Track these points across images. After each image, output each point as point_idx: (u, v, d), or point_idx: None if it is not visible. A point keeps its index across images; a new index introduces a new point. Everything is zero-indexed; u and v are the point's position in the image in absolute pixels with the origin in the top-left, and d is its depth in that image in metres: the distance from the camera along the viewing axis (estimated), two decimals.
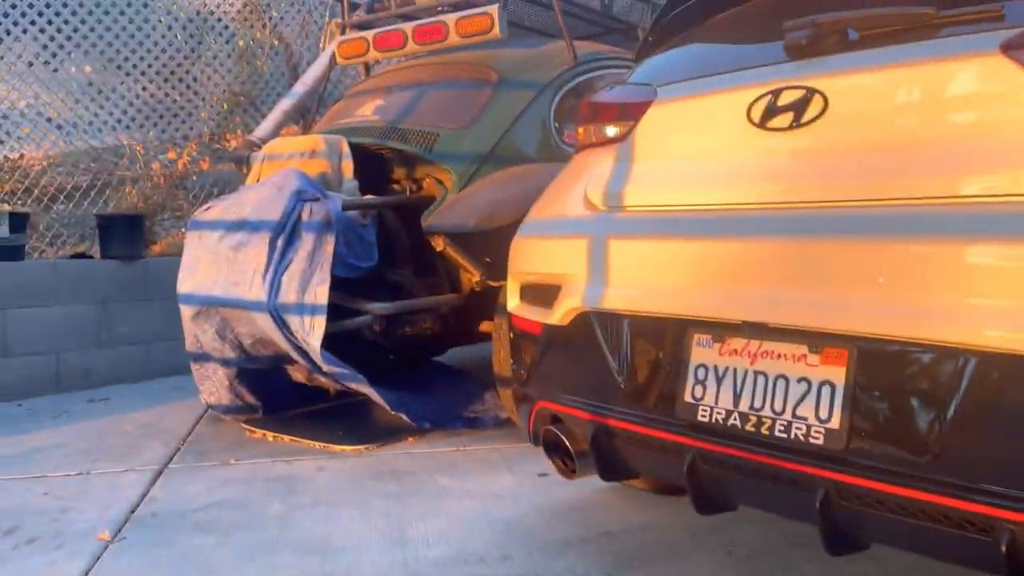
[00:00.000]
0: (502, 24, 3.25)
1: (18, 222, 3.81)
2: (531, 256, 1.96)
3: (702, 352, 1.50)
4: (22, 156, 4.67)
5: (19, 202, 4.46)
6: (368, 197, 3.10)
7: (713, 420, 1.45)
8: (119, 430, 3.14)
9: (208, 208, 3.19)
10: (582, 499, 2.33)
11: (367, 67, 4.09)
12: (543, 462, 2.15)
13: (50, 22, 4.68)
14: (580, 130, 2.01)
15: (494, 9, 3.24)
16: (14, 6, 4.52)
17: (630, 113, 1.80)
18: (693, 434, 1.48)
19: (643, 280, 1.62)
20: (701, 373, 1.49)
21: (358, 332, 3.13)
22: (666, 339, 1.57)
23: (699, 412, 1.47)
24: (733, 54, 1.74)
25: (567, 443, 1.78)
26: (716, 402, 1.45)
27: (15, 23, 4.57)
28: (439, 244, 3.04)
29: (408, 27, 3.53)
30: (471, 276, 3.11)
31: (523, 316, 1.96)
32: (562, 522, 2.17)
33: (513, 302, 2.03)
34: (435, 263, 3.23)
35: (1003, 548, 1.12)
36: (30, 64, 4.67)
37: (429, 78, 3.52)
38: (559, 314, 1.77)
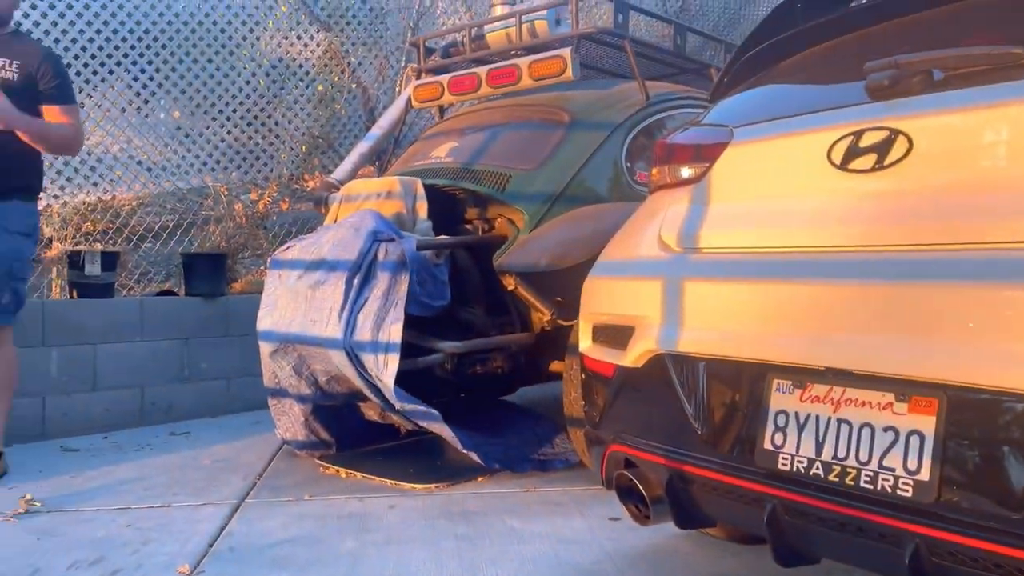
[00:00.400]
0: (574, 67, 3.29)
1: (109, 260, 4.00)
2: (604, 297, 1.96)
3: (782, 398, 1.46)
4: (113, 197, 4.91)
5: (110, 241, 4.68)
6: (441, 237, 3.15)
7: (794, 469, 1.41)
8: (199, 464, 3.23)
9: (288, 248, 3.29)
10: (656, 545, 2.28)
11: (441, 110, 4.19)
12: (615, 506, 2.12)
13: (143, 70, 4.93)
14: (654, 171, 2.01)
15: (567, 52, 3.29)
16: (110, 55, 4.79)
17: (706, 154, 1.79)
18: (773, 483, 1.44)
19: (720, 323, 1.60)
20: (781, 420, 1.46)
21: (430, 370, 3.16)
22: (744, 384, 1.54)
23: (779, 460, 1.43)
24: (812, 95, 1.72)
25: (641, 488, 1.75)
26: (797, 450, 1.41)
27: (110, 71, 4.83)
28: (510, 283, 3.06)
29: (482, 71, 3.61)
30: (542, 315, 3.11)
31: (596, 357, 1.95)
32: (634, 569, 2.12)
33: (585, 343, 2.02)
34: (506, 302, 3.25)
35: None
36: (123, 110, 4.91)
37: (502, 120, 3.58)
38: (633, 356, 1.76)
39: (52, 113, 3.03)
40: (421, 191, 3.22)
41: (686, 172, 1.85)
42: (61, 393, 3.69)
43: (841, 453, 1.35)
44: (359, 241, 2.96)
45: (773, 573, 1.88)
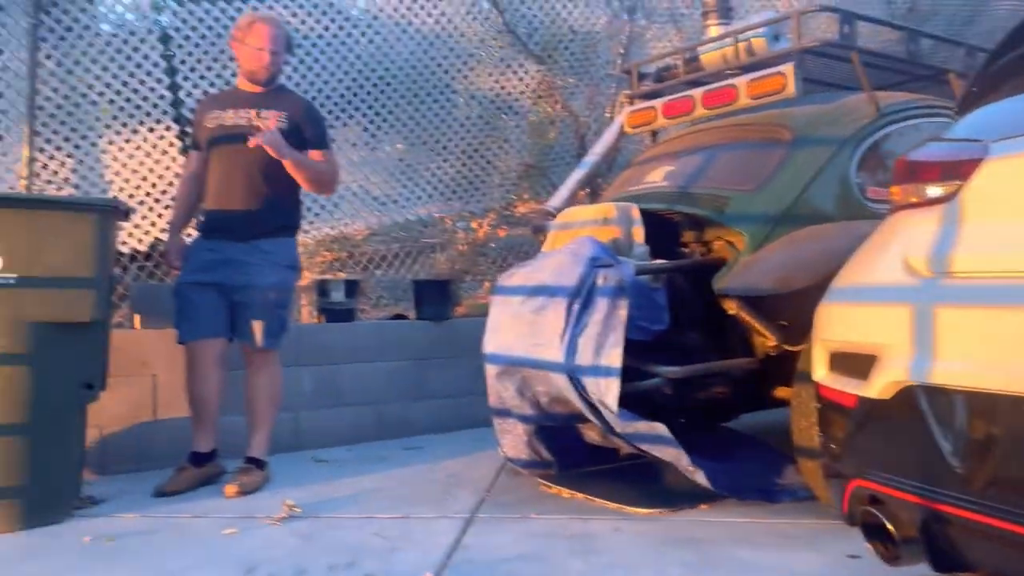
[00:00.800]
0: (796, 83, 3.19)
1: (350, 288, 4.39)
2: (842, 323, 1.88)
3: None
4: (347, 229, 5.37)
5: (347, 269, 5.12)
6: (659, 262, 3.15)
7: None
8: (431, 478, 3.44)
9: (510, 274, 3.43)
10: None
11: (654, 134, 4.20)
12: (852, 542, 2.02)
13: (370, 107, 5.37)
14: (895, 190, 1.91)
15: (788, 68, 3.20)
16: (349, 102, 5.27)
17: (958, 171, 1.68)
18: None
19: (980, 353, 1.49)
20: None
21: (649, 395, 3.16)
22: (1010, 419, 1.42)
23: None
24: None
25: (891, 527, 1.66)
26: None
27: (350, 116, 5.31)
28: (732, 307, 3.00)
29: (697, 93, 3.59)
30: (765, 340, 3.02)
31: (834, 387, 1.87)
32: None
33: (821, 371, 1.95)
34: (726, 327, 3.19)
35: None
36: (353, 144, 5.37)
37: (718, 141, 3.53)
38: (878, 387, 1.68)
39: (314, 157, 3.40)
40: (637, 216, 3.24)
41: (934, 191, 1.74)
42: (312, 408, 4.09)
43: None
44: (578, 267, 3.04)
45: None
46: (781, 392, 3.13)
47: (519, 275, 3.38)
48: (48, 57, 4.45)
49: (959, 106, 1.99)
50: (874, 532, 1.71)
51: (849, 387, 1.80)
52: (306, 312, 4.56)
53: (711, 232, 3.28)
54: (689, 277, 3.23)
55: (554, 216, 3.79)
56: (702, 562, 2.36)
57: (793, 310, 2.83)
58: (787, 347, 2.92)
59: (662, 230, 3.41)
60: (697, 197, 3.24)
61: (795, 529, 2.65)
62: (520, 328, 3.19)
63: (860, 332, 1.80)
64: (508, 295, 3.35)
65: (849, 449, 1.82)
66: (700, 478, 2.85)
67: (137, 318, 3.86)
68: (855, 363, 1.79)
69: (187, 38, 4.76)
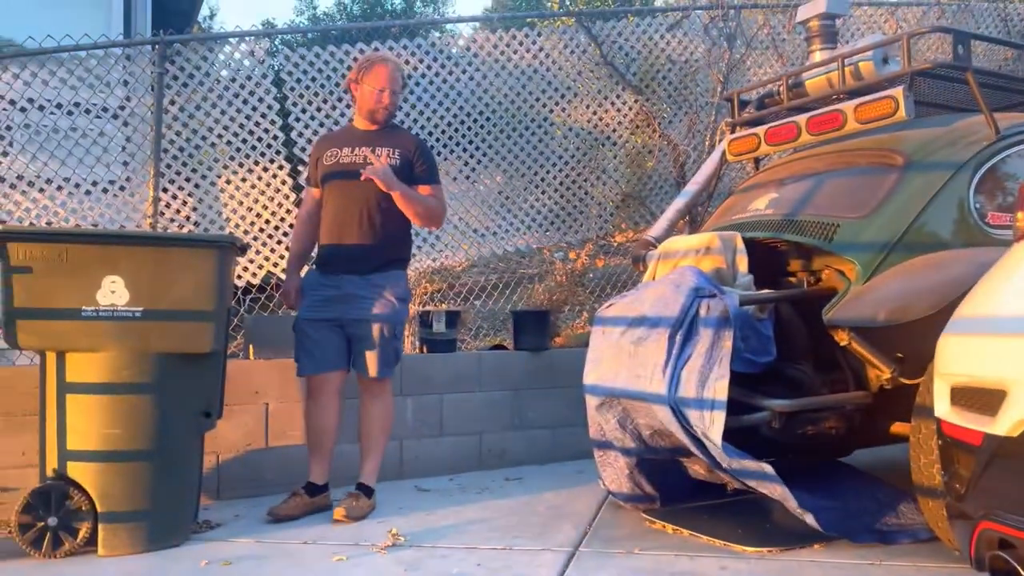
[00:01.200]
0: (908, 105, 3.08)
1: (451, 319, 4.46)
2: (966, 356, 1.79)
3: None
4: (446, 261, 5.49)
5: (448, 301, 5.22)
6: (765, 291, 3.08)
7: None
8: (533, 509, 3.44)
9: (610, 305, 3.42)
10: None
11: (756, 162, 4.13)
12: None
13: (471, 142, 5.49)
14: (1021, 216, 1.81)
15: (899, 91, 3.09)
16: (451, 137, 5.40)
17: None
18: None
19: None
20: None
21: (756, 430, 3.08)
22: None
23: None
24: None
25: (1021, 572, 1.55)
26: None
27: (451, 151, 5.45)
28: (843, 339, 2.89)
29: (802, 118, 3.51)
30: (880, 373, 2.89)
31: (958, 423, 1.79)
32: None
33: (943, 406, 1.86)
34: (837, 358, 3.08)
35: None
36: (454, 178, 5.49)
37: (824, 167, 3.43)
38: (1009, 424, 1.59)
39: (424, 191, 3.49)
40: (741, 245, 3.19)
41: None
42: (415, 437, 4.16)
43: None
44: (680, 298, 3.00)
45: None
46: (898, 428, 2.99)
47: (619, 305, 3.36)
48: (172, 103, 4.77)
49: None
50: None
51: (975, 424, 1.71)
52: (408, 343, 4.67)
53: (819, 261, 3.18)
54: (797, 308, 3.14)
55: (655, 246, 3.76)
56: None
57: (909, 341, 2.71)
58: (903, 380, 2.79)
59: (767, 259, 3.33)
60: (804, 225, 3.16)
61: (915, 572, 2.51)
62: (621, 359, 3.17)
63: (986, 366, 1.71)
64: (608, 325, 3.34)
65: (976, 489, 1.72)
66: (809, 519, 2.75)
67: (251, 349, 4.04)
68: (981, 398, 1.70)
69: (299, 81, 5.00)
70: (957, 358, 1.81)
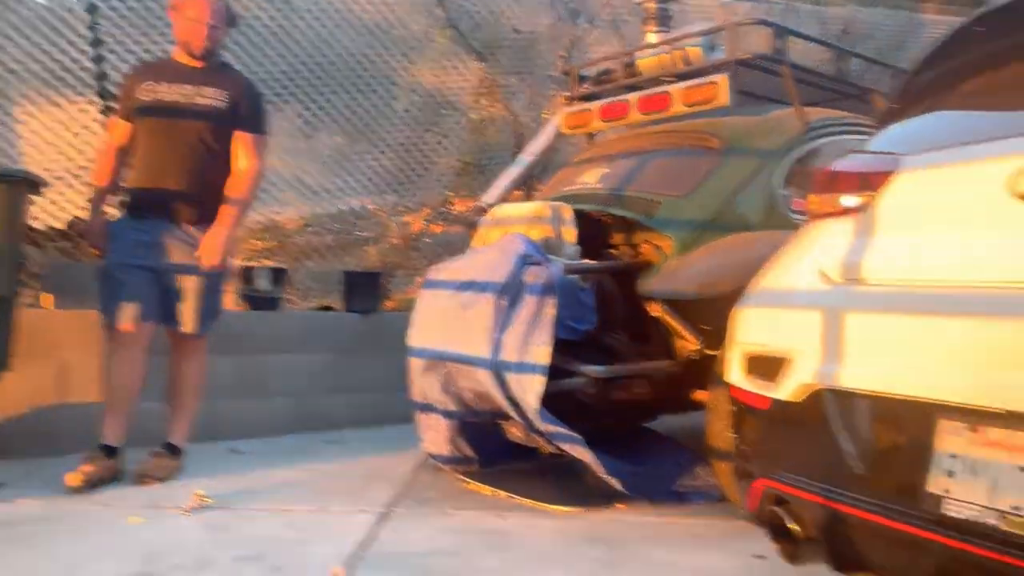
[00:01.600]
0: (729, 93, 3.25)
1: (277, 276, 4.29)
2: (757, 327, 1.92)
3: (952, 440, 1.39)
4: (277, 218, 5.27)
5: (277, 259, 5.02)
6: (588, 262, 3.17)
7: (964, 516, 1.32)
8: (351, 472, 3.39)
9: (440, 268, 3.41)
10: None
11: (590, 136, 4.23)
12: (760, 542, 2.05)
13: (307, 94, 5.27)
14: (814, 199, 1.95)
15: (722, 78, 3.25)
16: (285, 86, 5.16)
17: (872, 182, 1.73)
18: (939, 529, 1.36)
19: (885, 359, 1.53)
20: (950, 463, 1.38)
21: (573, 394, 3.18)
22: (910, 424, 1.47)
23: (946, 506, 1.35)
24: (991, 122, 1.63)
25: (794, 527, 1.69)
26: (968, 496, 1.33)
27: (285, 100, 5.21)
28: (656, 310, 3.04)
29: (633, 97, 3.62)
30: (687, 344, 3.07)
31: (747, 389, 1.91)
32: None
33: (735, 374, 1.98)
34: (650, 329, 3.23)
35: None
36: (290, 133, 5.27)
37: (651, 146, 3.57)
38: (788, 390, 1.71)
39: (244, 140, 3.25)
40: (569, 216, 3.26)
41: (850, 201, 1.79)
42: (231, 398, 3.97)
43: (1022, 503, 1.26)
44: (508, 264, 3.03)
45: None
46: (699, 395, 3.18)
47: (448, 269, 3.36)
48: None
49: (880, 122, 2.05)
50: (778, 532, 1.75)
51: (761, 389, 1.83)
52: (229, 299, 4.45)
53: (640, 236, 3.31)
54: (618, 279, 3.26)
55: (486, 212, 3.78)
56: (614, 560, 2.38)
57: (714, 315, 2.87)
58: (708, 351, 2.97)
59: (594, 231, 3.43)
60: (628, 200, 3.28)
61: (708, 530, 2.69)
62: (447, 323, 3.17)
63: (774, 336, 1.84)
64: (437, 288, 3.33)
65: (759, 450, 1.86)
66: (614, 483, 2.88)
67: (50, 298, 3.70)
68: (768, 366, 1.82)
69: (114, 8, 4.59)
70: (750, 329, 1.94)
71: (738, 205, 3.17)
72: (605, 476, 2.90)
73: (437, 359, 3.19)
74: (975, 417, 1.35)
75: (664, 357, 3.21)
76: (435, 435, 3.32)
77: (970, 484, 1.33)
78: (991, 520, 1.28)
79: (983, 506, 1.30)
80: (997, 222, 1.43)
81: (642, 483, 3.03)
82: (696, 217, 3.13)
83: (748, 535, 2.50)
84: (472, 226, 3.79)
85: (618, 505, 2.94)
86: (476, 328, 3.00)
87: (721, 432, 2.67)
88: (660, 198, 3.21)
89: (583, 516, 2.84)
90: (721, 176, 3.21)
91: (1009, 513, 1.26)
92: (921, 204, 1.61)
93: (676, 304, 2.98)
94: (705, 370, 2.94)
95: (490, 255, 3.18)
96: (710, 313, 2.87)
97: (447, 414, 3.26)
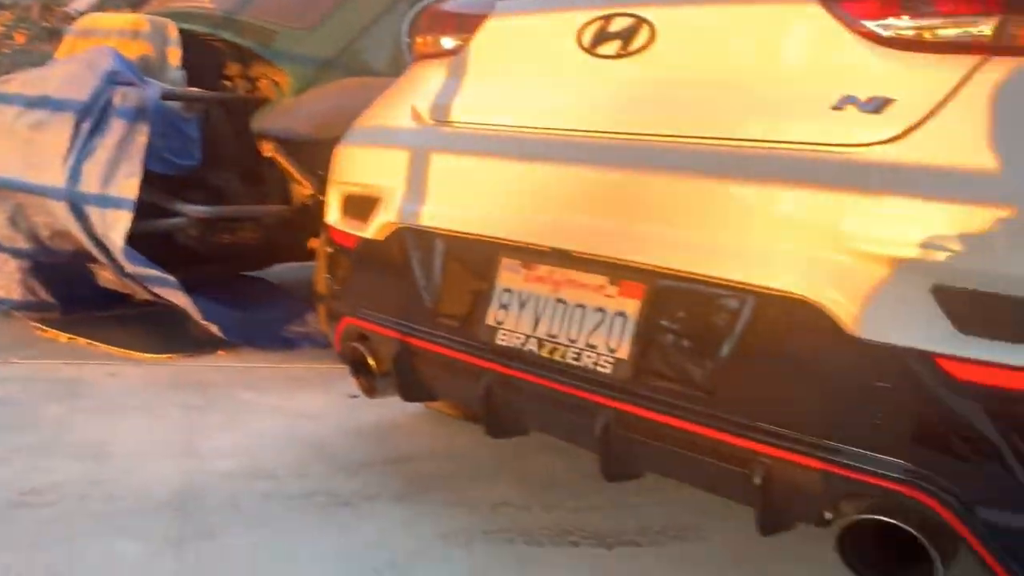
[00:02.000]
0: None
1: None
2: (353, 166, 1.87)
3: (509, 276, 1.48)
4: None
5: None
6: (191, 89, 2.87)
7: (511, 344, 1.43)
8: None
9: (7, 80, 2.86)
10: (391, 422, 2.29)
11: None
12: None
13: None
14: (419, 40, 1.92)
15: None
16: None
17: (467, 25, 1.72)
18: (490, 357, 1.47)
19: (460, 199, 1.58)
20: (506, 297, 1.48)
21: (172, 236, 2.93)
22: (476, 261, 1.54)
23: (498, 336, 1.46)
24: None
25: (370, 361, 1.73)
26: (516, 326, 1.44)
27: None
28: (268, 150, 2.87)
29: None
30: (302, 189, 2.96)
31: (341, 229, 1.88)
32: (365, 444, 2.13)
33: (333, 214, 1.94)
34: (264, 171, 3.05)
35: (758, 482, 1.17)
36: None
37: None
38: (374, 228, 1.71)
39: None
40: (175, 35, 2.90)
41: (447, 43, 1.77)
42: None
43: (554, 330, 1.39)
44: (92, 80, 2.63)
45: (500, 450, 1.96)
46: (313, 243, 3.12)
47: (18, 82, 2.85)
48: None
49: None
50: (359, 368, 1.78)
51: (353, 229, 1.81)
52: None
53: (258, 68, 3.06)
54: (230, 113, 3.00)
55: (75, 20, 3.22)
56: (205, 405, 2.29)
57: (331, 160, 2.80)
58: (323, 197, 2.89)
59: (209, 58, 3.09)
60: (245, 26, 3.00)
61: (308, 373, 2.69)
62: (14, 145, 2.72)
63: (368, 175, 1.81)
64: (2, 105, 2.79)
65: (346, 289, 1.85)
66: (214, 329, 2.74)
67: None
68: (361, 206, 1.80)
69: None
70: (347, 168, 1.89)
71: (364, 47, 3.06)
72: (203, 321, 2.73)
73: (2, 188, 2.71)
74: (528, 255, 1.45)
75: (279, 202, 3.07)
76: (3, 277, 2.87)
77: (518, 315, 1.44)
78: (530, 347, 1.41)
79: (525, 334, 1.42)
80: (566, 72, 1.50)
81: (248, 330, 2.93)
82: (318, 54, 2.97)
83: (348, 377, 2.56)
84: (55, 35, 3.21)
85: (220, 352, 2.82)
86: (49, 153, 2.59)
87: (322, 275, 2.64)
88: (280, 28, 2.98)
89: (178, 364, 2.68)
90: (348, 13, 3.06)
91: (545, 340, 1.39)
92: (506, 50, 1.65)
93: (289, 145, 2.84)
94: (320, 217, 2.86)
95: (71, 68, 2.73)
96: (327, 158, 2.78)
97: (17, 253, 2.83)
